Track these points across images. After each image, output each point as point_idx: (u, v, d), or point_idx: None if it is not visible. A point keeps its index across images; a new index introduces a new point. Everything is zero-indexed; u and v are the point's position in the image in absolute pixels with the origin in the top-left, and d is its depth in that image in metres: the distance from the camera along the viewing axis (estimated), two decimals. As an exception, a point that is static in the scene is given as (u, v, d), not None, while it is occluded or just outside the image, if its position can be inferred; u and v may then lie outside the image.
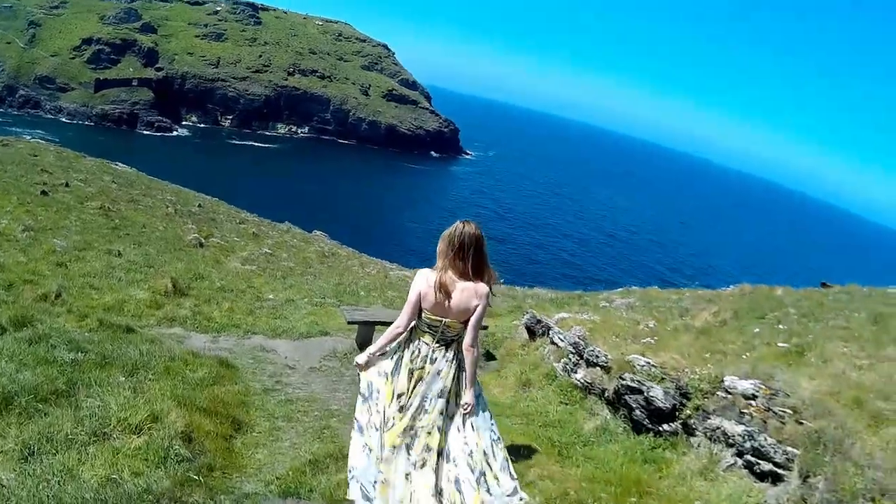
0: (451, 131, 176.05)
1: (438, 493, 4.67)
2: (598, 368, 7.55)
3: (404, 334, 4.81)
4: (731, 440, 5.57)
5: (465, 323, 4.69)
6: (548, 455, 6.02)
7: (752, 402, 5.60)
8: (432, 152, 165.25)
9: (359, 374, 5.01)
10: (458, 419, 4.81)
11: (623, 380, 6.79)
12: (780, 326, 9.86)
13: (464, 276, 4.61)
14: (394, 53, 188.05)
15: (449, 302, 4.58)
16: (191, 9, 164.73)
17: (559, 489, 5.04)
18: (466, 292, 4.59)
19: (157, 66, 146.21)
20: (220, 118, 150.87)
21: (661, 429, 6.37)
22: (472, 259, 4.60)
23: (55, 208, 20.41)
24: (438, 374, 4.73)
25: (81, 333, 8.00)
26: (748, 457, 5.33)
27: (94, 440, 4.82)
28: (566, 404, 7.55)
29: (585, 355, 7.86)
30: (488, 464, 4.72)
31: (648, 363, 6.76)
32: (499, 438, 4.88)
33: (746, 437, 5.38)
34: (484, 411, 4.90)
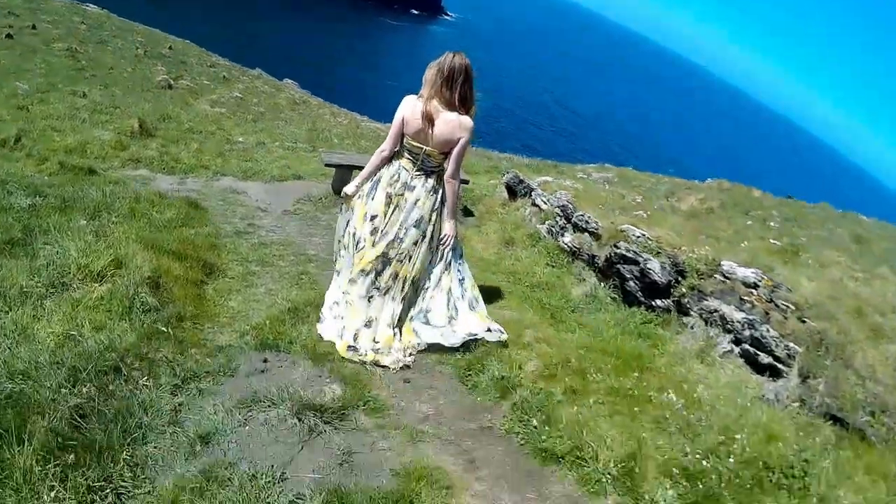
0: None
1: (397, 324, 4.86)
2: (586, 234, 7.32)
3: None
4: (728, 326, 5.32)
5: (447, 154, 4.70)
6: (541, 318, 5.71)
7: (754, 291, 5.35)
8: (412, 10, 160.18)
9: (341, 209, 5.09)
10: (432, 253, 4.96)
11: (617, 248, 6.49)
12: (771, 224, 9.61)
13: (450, 105, 4.58)
14: None
15: (432, 130, 4.58)
16: None
17: (559, 355, 4.72)
18: (451, 124, 4.58)
19: None
20: None
21: (653, 304, 6.11)
22: (460, 89, 4.57)
23: (19, 51, 19.56)
24: (416, 203, 4.76)
25: (41, 178, 7.51)
26: (746, 346, 5.11)
27: (52, 292, 4.40)
28: (553, 266, 7.26)
29: (574, 219, 7.62)
30: (455, 304, 4.98)
31: (644, 235, 6.45)
32: (471, 280, 5.13)
33: (746, 325, 5.14)
34: (460, 255, 5.13)
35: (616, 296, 6.47)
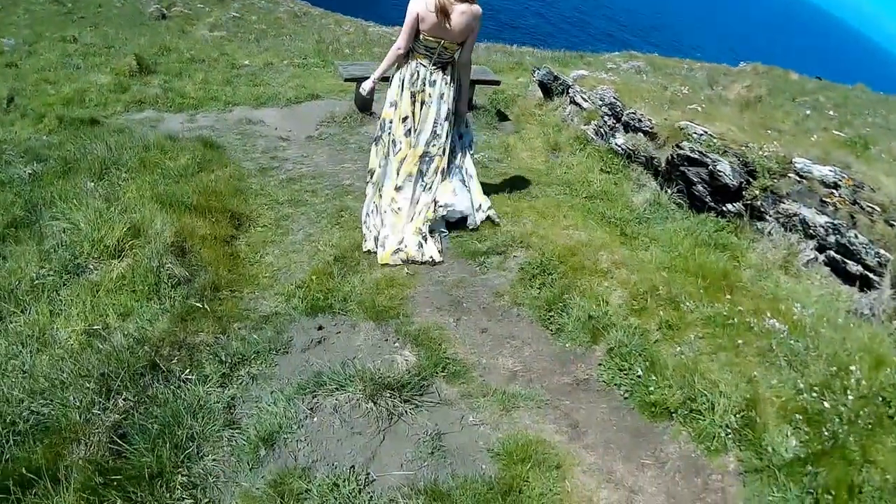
0: None
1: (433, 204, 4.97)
2: (640, 134, 6.59)
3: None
4: (811, 231, 4.74)
5: (461, 45, 4.78)
6: (610, 235, 5.06)
7: (834, 192, 4.76)
8: None
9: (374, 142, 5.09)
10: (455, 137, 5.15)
11: (680, 149, 5.77)
12: (830, 113, 8.80)
13: None
14: None
15: (449, 23, 4.58)
16: None
17: (644, 282, 4.11)
18: (466, 15, 4.60)
19: None
20: None
21: (724, 209, 5.48)
22: None
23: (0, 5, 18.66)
24: (441, 97, 4.87)
25: (39, 138, 6.86)
26: (831, 253, 4.57)
27: (67, 279, 3.86)
28: (608, 172, 6.58)
29: (624, 118, 6.85)
30: (469, 174, 5.20)
31: (706, 132, 5.77)
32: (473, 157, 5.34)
33: (831, 231, 4.57)
34: (470, 140, 5.33)
35: (682, 201, 5.84)
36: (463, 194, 5.07)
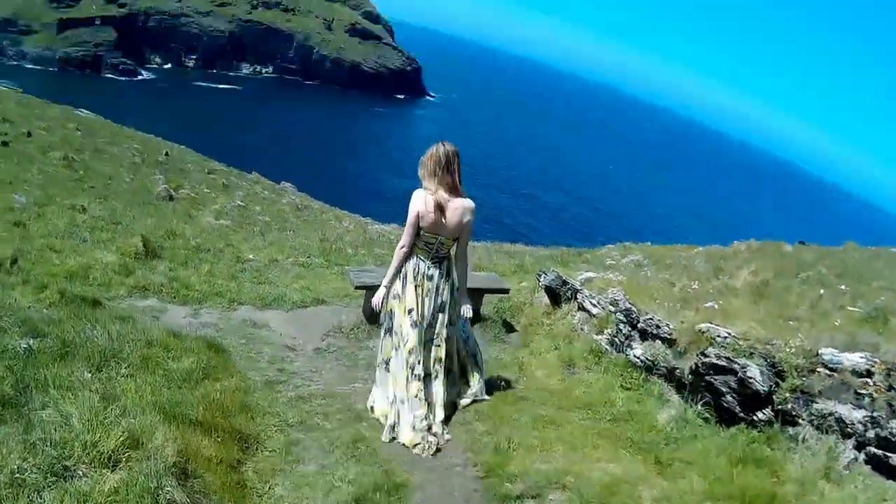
0: (414, 70, 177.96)
1: (444, 402, 5.45)
2: (658, 342, 6.33)
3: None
4: (848, 429, 4.51)
5: (456, 239, 5.27)
6: (645, 466, 4.80)
7: (868, 380, 4.59)
8: (397, 95, 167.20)
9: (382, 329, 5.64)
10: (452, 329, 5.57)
11: (706, 356, 5.47)
12: (843, 287, 8.90)
13: (453, 191, 5.15)
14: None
15: (444, 219, 5.07)
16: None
17: None
18: (459, 210, 5.11)
19: (119, 1, 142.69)
20: (183, 58, 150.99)
21: (754, 418, 5.14)
22: (458, 172, 5.18)
23: (16, 160, 19.09)
24: (437, 290, 5.32)
25: (39, 311, 6.54)
26: (872, 448, 4.33)
27: (52, 481, 3.41)
28: (628, 389, 6.29)
29: (641, 324, 6.62)
30: (470, 371, 5.85)
31: (730, 334, 5.51)
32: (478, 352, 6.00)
33: (870, 425, 4.37)
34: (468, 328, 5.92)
35: (709, 414, 5.51)
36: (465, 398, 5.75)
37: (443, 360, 5.41)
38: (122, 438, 3.84)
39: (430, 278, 5.26)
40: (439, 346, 5.40)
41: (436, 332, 5.39)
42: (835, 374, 4.75)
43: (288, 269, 11.64)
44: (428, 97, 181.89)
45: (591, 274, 9.29)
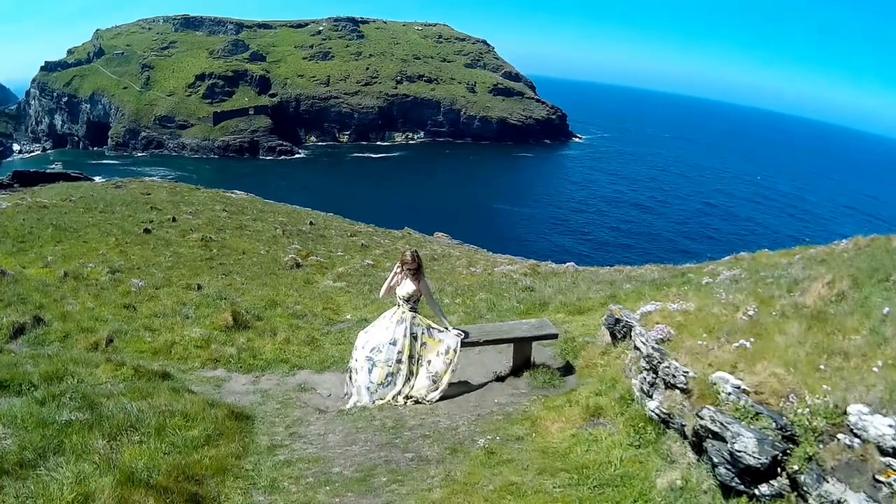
0: (560, 117, 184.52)
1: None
2: (676, 391, 5.43)
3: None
4: None
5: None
6: None
7: (893, 464, 3.55)
8: (545, 140, 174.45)
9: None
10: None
11: (701, 418, 4.68)
12: None
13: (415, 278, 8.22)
14: (493, 48, 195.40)
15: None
16: (294, 32, 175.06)
17: None
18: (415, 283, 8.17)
19: (270, 92, 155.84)
20: (337, 135, 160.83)
21: (755, 492, 4.30)
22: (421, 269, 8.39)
23: (152, 245, 20.53)
24: (403, 321, 8.02)
25: (103, 387, 7.23)
26: None
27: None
28: (636, 447, 5.62)
29: (661, 372, 5.72)
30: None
31: (737, 388, 4.64)
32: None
33: None
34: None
35: (714, 480, 4.64)
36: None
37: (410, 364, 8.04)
38: (73, 495, 4.36)
39: (402, 320, 8.02)
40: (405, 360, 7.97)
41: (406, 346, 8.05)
42: (856, 443, 3.79)
43: (373, 326, 11.97)
44: (575, 139, 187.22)
45: (651, 307, 7.83)
